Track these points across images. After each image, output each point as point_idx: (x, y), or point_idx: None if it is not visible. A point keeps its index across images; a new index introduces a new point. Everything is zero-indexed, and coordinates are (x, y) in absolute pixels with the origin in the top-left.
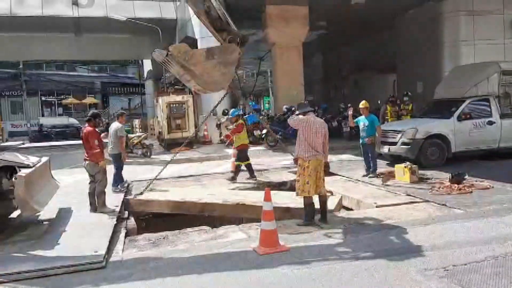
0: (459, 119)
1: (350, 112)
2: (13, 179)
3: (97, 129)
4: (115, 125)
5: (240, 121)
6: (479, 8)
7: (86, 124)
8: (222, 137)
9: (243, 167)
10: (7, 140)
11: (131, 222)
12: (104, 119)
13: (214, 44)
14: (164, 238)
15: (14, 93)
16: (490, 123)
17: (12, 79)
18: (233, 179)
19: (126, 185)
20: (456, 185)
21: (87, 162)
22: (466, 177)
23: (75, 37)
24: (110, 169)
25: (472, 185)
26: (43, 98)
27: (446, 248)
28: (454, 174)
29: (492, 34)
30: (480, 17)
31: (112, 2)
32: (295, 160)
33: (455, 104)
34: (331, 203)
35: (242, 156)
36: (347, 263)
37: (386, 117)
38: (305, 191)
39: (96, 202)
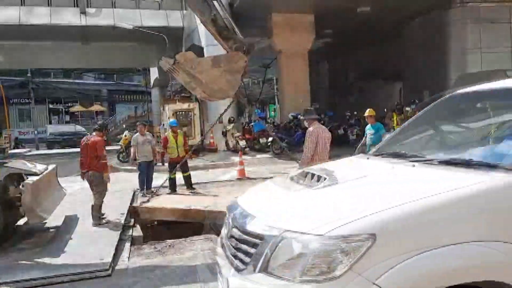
0: None
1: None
2: (21, 186)
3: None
4: (134, 135)
5: (166, 134)
6: (486, 17)
7: (94, 133)
8: (231, 146)
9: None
10: (14, 148)
11: (137, 230)
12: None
13: (220, 52)
14: (170, 246)
15: (22, 100)
16: None
17: (20, 87)
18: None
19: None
20: None
21: (90, 172)
22: None
23: (83, 45)
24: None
25: None
26: (50, 106)
27: None
28: None
29: (499, 43)
30: (487, 25)
31: (120, 11)
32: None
33: None
34: None
35: (180, 167)
36: None
37: (392, 125)
38: None
39: (91, 212)
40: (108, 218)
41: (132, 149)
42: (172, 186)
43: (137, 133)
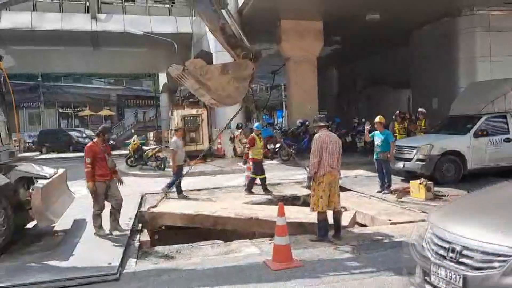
0: (476, 135)
1: (367, 127)
2: (30, 190)
3: (102, 145)
4: (171, 139)
5: (253, 135)
6: (495, 24)
7: (94, 139)
8: (239, 152)
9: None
10: (23, 151)
11: (145, 234)
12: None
13: (228, 58)
14: (177, 251)
15: (32, 104)
16: (508, 140)
17: (30, 91)
18: (249, 191)
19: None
20: None
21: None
22: None
23: (93, 50)
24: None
25: None
26: (60, 110)
27: None
28: (470, 192)
29: (509, 50)
30: (496, 33)
31: (130, 17)
32: (310, 178)
33: (471, 121)
34: (345, 219)
35: (255, 169)
36: (361, 280)
37: (395, 134)
38: (319, 206)
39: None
40: (108, 231)
41: (172, 154)
42: (250, 186)
43: (175, 138)
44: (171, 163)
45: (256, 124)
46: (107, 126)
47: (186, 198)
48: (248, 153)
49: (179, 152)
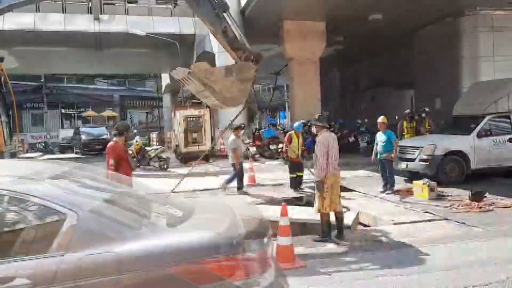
0: (479, 135)
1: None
2: None
3: (123, 144)
4: (230, 138)
5: (291, 133)
6: (498, 24)
7: (114, 138)
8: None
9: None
10: (27, 151)
11: None
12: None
13: (231, 59)
14: None
15: (35, 105)
16: (511, 140)
17: (33, 92)
18: (293, 188)
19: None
20: (476, 203)
21: None
22: (487, 195)
23: (96, 51)
24: None
25: (493, 203)
26: (63, 111)
27: (466, 267)
28: (474, 192)
29: None
30: (500, 33)
31: (133, 17)
32: (320, 182)
33: (474, 121)
34: (347, 219)
35: (291, 167)
36: (363, 280)
37: (403, 133)
38: (322, 207)
39: None
40: None
41: (236, 152)
42: (293, 185)
43: (234, 136)
44: (231, 161)
45: (296, 124)
46: (127, 123)
47: (246, 194)
48: (287, 149)
49: (239, 150)
